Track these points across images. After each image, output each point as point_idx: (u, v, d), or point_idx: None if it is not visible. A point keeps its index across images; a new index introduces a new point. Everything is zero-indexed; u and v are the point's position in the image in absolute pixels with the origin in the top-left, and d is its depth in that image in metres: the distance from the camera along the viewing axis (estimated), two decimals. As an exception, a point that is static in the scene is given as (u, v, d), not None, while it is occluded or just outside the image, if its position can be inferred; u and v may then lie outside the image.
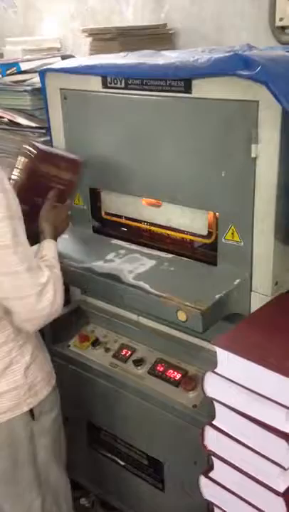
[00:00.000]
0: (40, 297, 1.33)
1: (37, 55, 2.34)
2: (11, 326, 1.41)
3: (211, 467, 1.29)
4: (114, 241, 1.84)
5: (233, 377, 1.13)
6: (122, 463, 1.93)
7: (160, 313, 1.55)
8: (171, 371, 1.70)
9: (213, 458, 1.27)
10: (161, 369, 1.72)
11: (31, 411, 1.49)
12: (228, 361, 1.17)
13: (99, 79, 1.67)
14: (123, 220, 1.89)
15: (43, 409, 1.53)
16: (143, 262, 1.69)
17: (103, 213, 1.92)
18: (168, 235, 1.79)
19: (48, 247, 1.48)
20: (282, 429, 1.09)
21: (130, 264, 1.68)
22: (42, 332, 1.64)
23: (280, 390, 1.09)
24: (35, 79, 2.02)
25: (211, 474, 1.28)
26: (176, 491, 1.77)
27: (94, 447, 2.01)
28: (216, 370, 1.20)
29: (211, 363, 1.24)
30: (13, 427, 1.47)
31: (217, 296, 1.47)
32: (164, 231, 1.79)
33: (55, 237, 1.54)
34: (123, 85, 1.62)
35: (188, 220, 1.68)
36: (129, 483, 1.94)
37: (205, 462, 1.48)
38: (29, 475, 1.54)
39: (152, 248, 1.78)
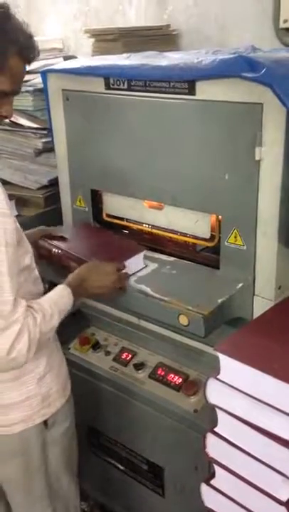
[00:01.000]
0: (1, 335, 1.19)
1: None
2: None
3: (212, 475, 1.27)
4: (116, 243, 1.83)
5: (235, 384, 1.12)
6: (122, 467, 1.91)
7: (161, 317, 1.54)
8: (172, 375, 1.68)
9: (214, 465, 1.26)
10: (162, 373, 1.70)
11: (45, 421, 1.46)
12: (230, 368, 1.15)
13: (101, 80, 1.66)
14: (124, 223, 1.88)
15: (56, 419, 1.50)
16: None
17: (104, 215, 1.90)
18: (170, 237, 1.77)
19: (55, 294, 1.38)
20: (285, 437, 1.07)
21: (132, 267, 1.66)
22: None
23: (284, 397, 1.07)
24: (37, 79, 2.01)
25: (212, 482, 1.27)
26: (176, 497, 1.75)
27: (94, 451, 1.99)
28: (218, 377, 1.18)
29: (213, 368, 1.23)
30: (26, 436, 1.44)
31: (219, 301, 1.46)
32: (165, 234, 1.77)
33: (76, 290, 1.42)
34: (126, 87, 1.60)
35: (190, 223, 1.66)
36: (128, 487, 1.92)
37: (205, 467, 1.47)
38: (41, 484, 1.52)
39: (154, 251, 1.76)
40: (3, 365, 1.24)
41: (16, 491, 1.52)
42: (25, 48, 1.25)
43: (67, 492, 1.63)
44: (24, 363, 1.25)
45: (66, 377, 1.57)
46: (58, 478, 1.58)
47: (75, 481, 1.67)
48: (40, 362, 1.44)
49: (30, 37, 1.27)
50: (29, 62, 1.29)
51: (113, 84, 1.63)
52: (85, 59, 1.90)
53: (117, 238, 1.81)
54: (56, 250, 1.66)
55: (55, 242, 1.69)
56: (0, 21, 1.22)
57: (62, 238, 1.72)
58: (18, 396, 1.40)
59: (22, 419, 1.41)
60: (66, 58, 2.33)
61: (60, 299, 1.37)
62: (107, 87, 1.65)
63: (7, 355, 1.20)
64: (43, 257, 1.66)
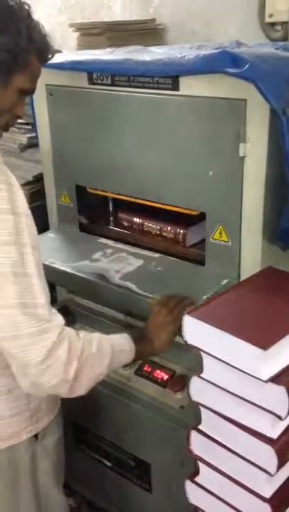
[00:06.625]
0: (37, 339, 1.07)
1: (23, 50, 2.30)
2: None
3: (197, 471, 1.27)
4: (101, 240, 1.82)
5: (218, 382, 1.11)
6: (109, 464, 1.91)
7: (147, 313, 1.53)
8: (159, 372, 1.68)
9: (198, 462, 1.26)
10: (149, 369, 1.70)
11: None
12: (208, 363, 1.15)
13: (85, 75, 1.64)
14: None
15: (47, 431, 1.43)
16: (130, 262, 1.67)
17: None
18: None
19: (116, 338, 1.27)
20: (268, 434, 1.08)
21: (117, 263, 1.66)
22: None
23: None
24: (21, 74, 1.99)
25: (196, 479, 1.27)
26: (163, 493, 1.76)
27: (80, 448, 1.99)
28: (201, 375, 1.18)
29: (199, 364, 1.22)
30: (14, 451, 1.36)
31: (204, 297, 1.45)
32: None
33: (142, 351, 1.33)
34: (110, 82, 1.59)
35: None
36: (116, 484, 1.92)
37: (192, 463, 1.47)
38: (29, 498, 1.45)
39: (139, 247, 1.75)
40: (36, 378, 1.10)
41: (3, 505, 1.42)
42: (44, 47, 1.24)
43: (56, 505, 1.56)
44: (60, 380, 1.13)
45: None
46: (47, 491, 1.51)
47: (63, 494, 1.60)
48: None
49: (46, 36, 1.26)
50: (46, 61, 1.28)
51: (96, 80, 1.62)
52: (69, 53, 1.88)
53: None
54: None
55: None
56: (26, 19, 1.19)
57: None
58: (8, 410, 1.32)
59: (9, 436, 1.34)
60: (51, 52, 2.31)
61: (119, 350, 1.26)
62: (91, 82, 1.64)
63: (41, 364, 1.08)
64: None
